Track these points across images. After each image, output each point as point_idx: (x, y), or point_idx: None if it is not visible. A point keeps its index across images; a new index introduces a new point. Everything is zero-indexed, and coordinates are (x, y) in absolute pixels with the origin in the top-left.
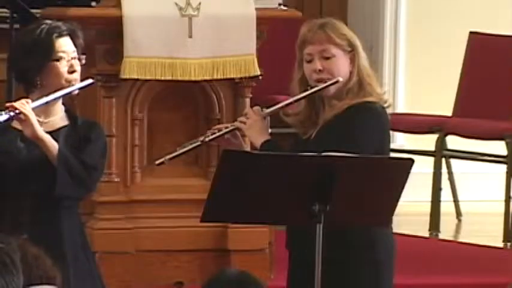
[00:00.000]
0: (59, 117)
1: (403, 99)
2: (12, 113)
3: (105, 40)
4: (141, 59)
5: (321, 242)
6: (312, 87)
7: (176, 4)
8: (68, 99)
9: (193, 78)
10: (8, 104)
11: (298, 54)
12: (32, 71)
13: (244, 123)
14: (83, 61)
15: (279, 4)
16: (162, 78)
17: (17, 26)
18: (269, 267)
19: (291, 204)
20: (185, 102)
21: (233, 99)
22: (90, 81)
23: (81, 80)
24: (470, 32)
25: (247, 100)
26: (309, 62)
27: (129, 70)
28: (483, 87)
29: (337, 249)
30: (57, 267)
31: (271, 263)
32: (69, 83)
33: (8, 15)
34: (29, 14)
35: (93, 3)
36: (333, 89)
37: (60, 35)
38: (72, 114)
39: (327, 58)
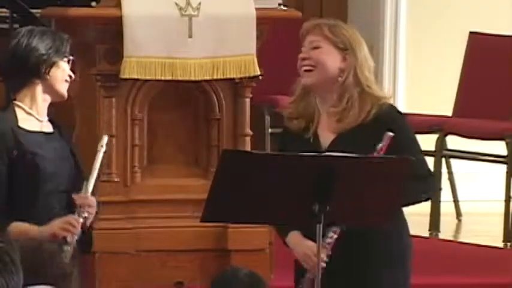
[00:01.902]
0: (46, 120)
1: (403, 99)
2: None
3: (105, 40)
4: (141, 59)
5: (321, 242)
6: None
7: (176, 4)
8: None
9: (193, 78)
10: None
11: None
12: (47, 59)
13: None
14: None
15: (279, 4)
16: (162, 78)
17: (17, 26)
18: (269, 267)
19: (291, 204)
20: (185, 102)
21: (233, 99)
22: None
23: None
24: (470, 32)
25: (247, 100)
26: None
27: (129, 70)
28: (483, 87)
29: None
30: (73, 263)
31: (271, 263)
32: (65, 85)
33: (8, 15)
34: (29, 14)
35: (93, 3)
36: (322, 84)
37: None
38: (51, 118)
39: (315, 48)
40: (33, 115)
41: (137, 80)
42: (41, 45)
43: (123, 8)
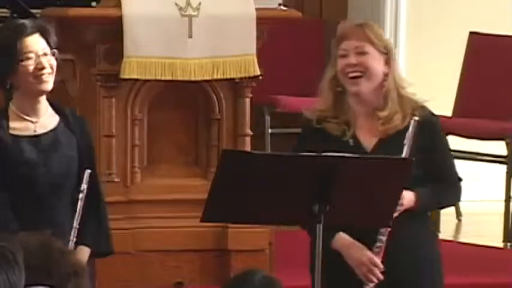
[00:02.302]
0: (48, 114)
1: None
2: None
3: (105, 40)
4: (141, 59)
5: (321, 242)
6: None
7: (176, 4)
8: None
9: (193, 78)
10: None
11: (333, 51)
12: (4, 74)
13: None
14: (56, 56)
15: (279, 4)
16: (162, 78)
17: None
18: (269, 267)
19: (291, 204)
20: (185, 102)
21: (233, 99)
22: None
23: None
24: (470, 32)
25: (248, 100)
26: (343, 56)
27: (129, 70)
28: (483, 87)
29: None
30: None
31: (271, 263)
32: (38, 79)
33: (8, 15)
34: (29, 14)
35: (93, 3)
36: (369, 89)
37: (26, 34)
38: (58, 108)
39: (362, 54)
40: (23, 117)
41: (137, 80)
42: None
43: (123, 8)
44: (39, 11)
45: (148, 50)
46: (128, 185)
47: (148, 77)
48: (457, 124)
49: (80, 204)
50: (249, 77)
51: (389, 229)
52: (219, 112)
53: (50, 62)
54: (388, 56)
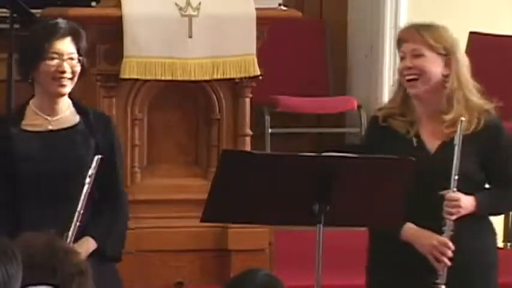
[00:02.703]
0: (68, 113)
1: None
2: None
3: (105, 40)
4: (141, 59)
5: (321, 242)
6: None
7: (176, 4)
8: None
9: (193, 78)
10: None
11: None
12: (26, 68)
13: None
14: (83, 64)
15: (279, 4)
16: (162, 78)
17: (17, 26)
18: (269, 268)
19: (291, 204)
20: (185, 102)
21: (233, 99)
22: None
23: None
24: (470, 32)
25: (248, 100)
26: (402, 59)
27: (129, 70)
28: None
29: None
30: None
31: (271, 263)
32: (57, 81)
33: (8, 15)
34: (29, 14)
35: (93, 3)
36: (427, 92)
37: (58, 36)
38: (81, 107)
39: (418, 56)
40: (39, 114)
41: (137, 80)
42: (23, 52)
43: (123, 8)
44: (39, 11)
45: (148, 50)
46: (127, 185)
47: (148, 77)
48: None
49: (86, 188)
50: (249, 77)
51: (454, 217)
52: (219, 112)
53: (73, 67)
54: (448, 57)
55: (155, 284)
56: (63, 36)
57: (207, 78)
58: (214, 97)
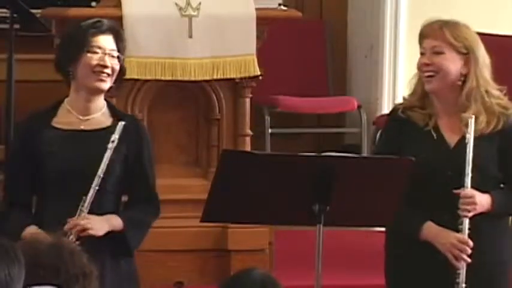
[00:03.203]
0: (100, 114)
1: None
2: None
3: None
4: (141, 59)
5: (321, 242)
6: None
7: (176, 4)
8: (107, 95)
9: (193, 78)
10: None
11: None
12: (66, 61)
13: None
14: (122, 64)
15: (279, 4)
16: (162, 78)
17: (17, 26)
18: (269, 267)
19: (291, 204)
20: (185, 102)
21: (233, 99)
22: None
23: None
24: None
25: (247, 100)
26: (422, 54)
27: (129, 70)
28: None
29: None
30: (93, 264)
31: (271, 263)
32: (96, 75)
33: (8, 15)
34: (29, 14)
35: (93, 3)
36: (443, 89)
37: (101, 31)
38: (115, 111)
39: (437, 54)
40: (72, 113)
41: (137, 80)
42: (64, 44)
43: (123, 8)
44: (39, 11)
45: (148, 50)
46: None
47: (148, 77)
48: None
49: (107, 154)
50: (249, 77)
51: (470, 214)
52: (219, 112)
53: (113, 63)
54: (468, 56)
55: (155, 284)
56: (107, 32)
57: (207, 78)
58: (214, 97)
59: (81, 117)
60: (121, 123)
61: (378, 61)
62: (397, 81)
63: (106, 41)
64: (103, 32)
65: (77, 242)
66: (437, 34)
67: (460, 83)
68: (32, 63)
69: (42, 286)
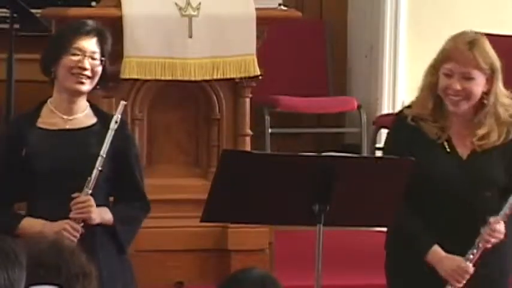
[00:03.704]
0: (84, 115)
1: (403, 99)
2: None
3: None
4: (141, 59)
5: (321, 242)
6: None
7: (176, 4)
8: (90, 95)
9: (193, 78)
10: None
11: (435, 61)
12: (48, 61)
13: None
14: (104, 66)
15: (279, 4)
16: (162, 78)
17: (17, 26)
18: (269, 267)
19: (291, 204)
20: (185, 102)
21: (233, 99)
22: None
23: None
24: None
25: (247, 100)
26: (447, 76)
27: (129, 70)
28: None
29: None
30: (92, 264)
31: (271, 263)
32: (75, 77)
33: (8, 15)
34: (29, 14)
35: (93, 3)
36: (465, 108)
37: (84, 33)
38: (98, 110)
39: (467, 79)
40: (55, 113)
41: (137, 80)
42: (49, 45)
43: (123, 8)
44: (39, 11)
45: (148, 50)
46: None
47: (148, 77)
48: None
49: (109, 133)
50: (249, 77)
51: (489, 245)
52: (219, 112)
53: (94, 66)
54: (492, 74)
55: (155, 284)
56: (89, 34)
57: (207, 78)
58: (214, 97)
59: (65, 117)
60: (123, 103)
61: (378, 61)
62: (397, 81)
63: (88, 44)
64: (85, 34)
65: (81, 224)
66: (466, 59)
67: (481, 100)
68: (32, 63)
69: (43, 286)
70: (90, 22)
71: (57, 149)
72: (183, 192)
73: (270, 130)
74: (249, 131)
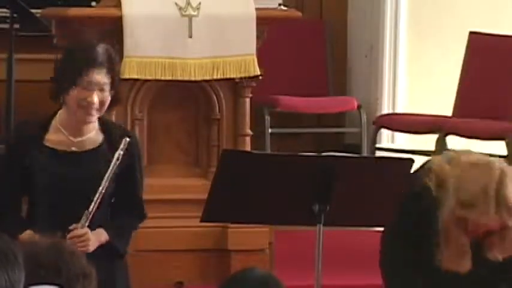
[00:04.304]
0: (91, 134)
1: (403, 99)
2: None
3: (105, 40)
4: (141, 59)
5: (321, 242)
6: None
7: (176, 4)
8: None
9: (193, 78)
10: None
11: (449, 203)
12: (58, 91)
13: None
14: (116, 93)
15: (279, 4)
16: (162, 78)
17: (17, 26)
18: (269, 267)
19: (291, 204)
20: (185, 102)
21: (233, 99)
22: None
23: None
24: (470, 32)
25: (247, 100)
26: (472, 231)
27: (129, 70)
28: (483, 87)
29: None
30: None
31: (271, 263)
32: (84, 110)
33: (8, 15)
34: (29, 14)
35: (93, 3)
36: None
37: (95, 66)
38: (105, 125)
39: (492, 232)
40: (62, 132)
41: (137, 80)
42: (58, 75)
43: (123, 8)
44: (39, 11)
45: (148, 50)
46: None
47: (148, 77)
48: (457, 124)
49: (111, 167)
50: (249, 77)
51: None
52: (219, 112)
53: (103, 98)
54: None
55: (155, 284)
56: (100, 66)
57: (207, 78)
58: (214, 97)
59: (72, 138)
60: (125, 140)
61: (378, 61)
62: (397, 81)
63: (98, 76)
64: (97, 67)
65: None
66: (494, 219)
67: None
68: (32, 63)
69: (43, 286)
70: (100, 50)
71: (60, 171)
72: (183, 192)
73: (270, 130)
74: (249, 131)
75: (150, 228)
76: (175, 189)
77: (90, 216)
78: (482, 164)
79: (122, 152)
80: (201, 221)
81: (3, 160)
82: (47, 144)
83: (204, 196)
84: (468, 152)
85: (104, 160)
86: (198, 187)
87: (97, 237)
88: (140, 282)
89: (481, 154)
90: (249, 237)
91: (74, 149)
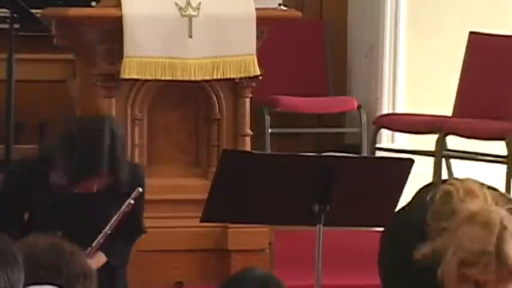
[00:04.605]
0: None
1: (403, 99)
2: None
3: (105, 40)
4: (141, 59)
5: (321, 242)
6: None
7: (176, 4)
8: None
9: (193, 78)
10: None
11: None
12: (72, 179)
13: None
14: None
15: (279, 4)
16: (162, 78)
17: (17, 26)
18: (269, 267)
19: (291, 204)
20: (185, 102)
21: (233, 99)
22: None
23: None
24: (470, 32)
25: (247, 100)
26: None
27: (129, 70)
28: (483, 87)
29: None
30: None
31: (271, 263)
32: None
33: (8, 15)
34: (29, 14)
35: (93, 3)
36: None
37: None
38: (114, 166)
39: None
40: None
41: (137, 80)
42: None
43: (123, 8)
44: (39, 11)
45: (148, 50)
46: None
47: (148, 77)
48: (457, 124)
49: (120, 212)
50: (249, 77)
51: None
52: (219, 112)
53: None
54: None
55: (155, 284)
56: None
57: (207, 78)
58: (214, 97)
59: None
60: (138, 190)
61: (378, 61)
62: (397, 81)
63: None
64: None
65: None
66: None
67: None
68: (32, 63)
69: (43, 286)
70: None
71: (63, 212)
72: (183, 192)
73: (270, 130)
74: (249, 131)
75: (150, 228)
76: (175, 189)
77: (94, 251)
78: (482, 222)
79: (132, 202)
80: (201, 221)
81: (8, 188)
82: (51, 184)
83: (204, 196)
84: (467, 185)
85: (111, 202)
86: (198, 187)
87: (96, 264)
88: (140, 282)
89: (482, 185)
90: (249, 237)
91: (79, 191)
